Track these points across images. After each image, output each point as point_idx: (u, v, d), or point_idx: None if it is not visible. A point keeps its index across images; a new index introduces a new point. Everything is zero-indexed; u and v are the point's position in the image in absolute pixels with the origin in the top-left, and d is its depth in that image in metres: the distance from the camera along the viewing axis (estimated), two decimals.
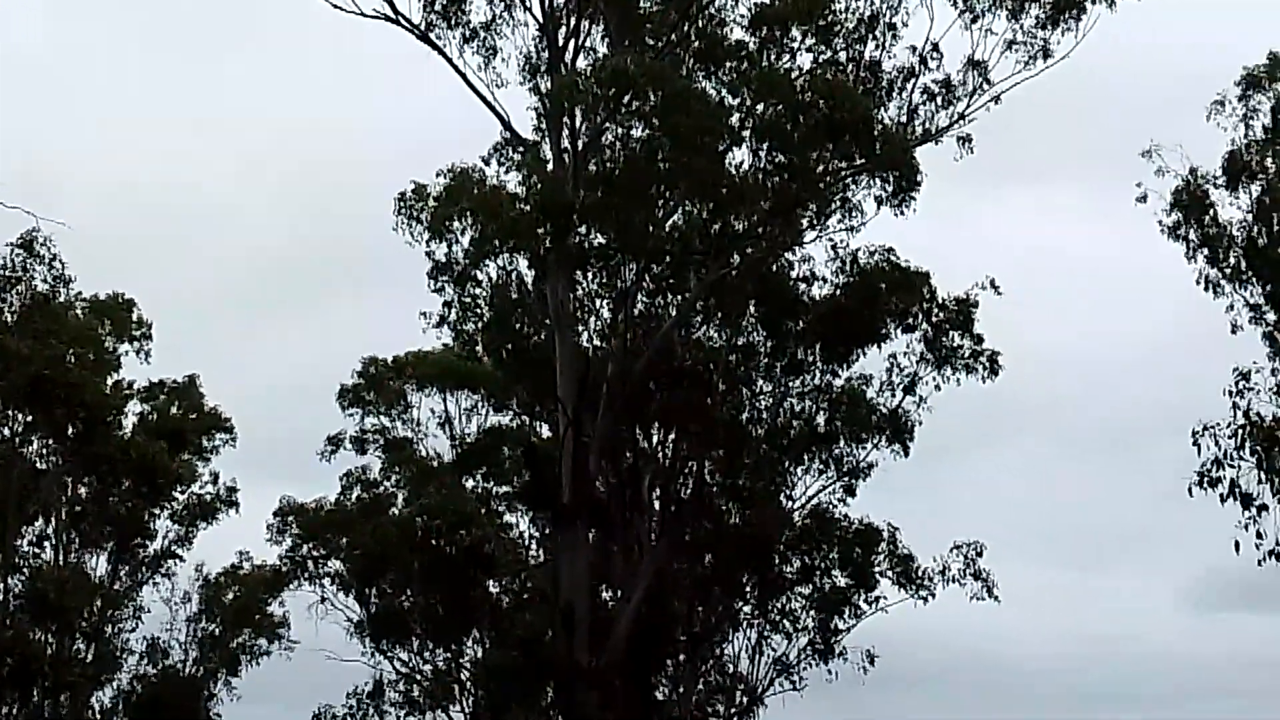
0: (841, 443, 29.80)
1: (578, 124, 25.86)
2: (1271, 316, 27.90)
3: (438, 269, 26.98)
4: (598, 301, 28.68)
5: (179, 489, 36.98)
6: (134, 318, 36.10)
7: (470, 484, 33.77)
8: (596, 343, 28.51)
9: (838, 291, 29.30)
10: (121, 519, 36.27)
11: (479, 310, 29.04)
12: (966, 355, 29.36)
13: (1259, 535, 22.85)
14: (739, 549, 29.47)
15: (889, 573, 29.96)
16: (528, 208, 24.44)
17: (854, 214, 27.41)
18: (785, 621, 30.39)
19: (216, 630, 38.61)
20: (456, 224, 25.26)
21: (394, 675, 33.23)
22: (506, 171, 26.50)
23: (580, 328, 28.07)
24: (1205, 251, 28.18)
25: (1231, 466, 22.95)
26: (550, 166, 25.90)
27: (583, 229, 25.42)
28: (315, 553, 33.89)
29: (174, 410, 37.65)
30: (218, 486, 37.81)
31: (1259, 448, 23.10)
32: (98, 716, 36.59)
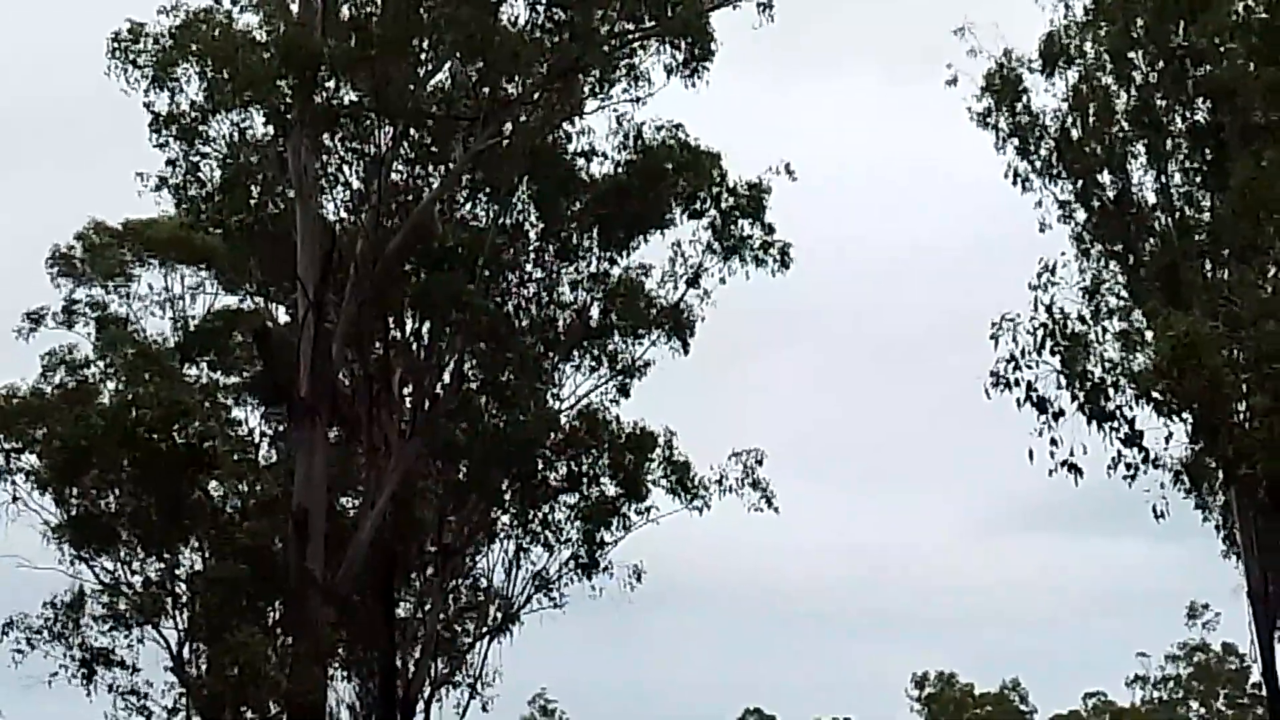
0: (616, 337, 29.22)
1: None
2: (1081, 215, 27.57)
3: (160, 122, 25.15)
4: (347, 169, 27.16)
5: None
6: None
7: (194, 372, 31.64)
8: (344, 216, 27.18)
9: (619, 169, 28.41)
10: None
11: (207, 174, 26.99)
12: (757, 246, 29.15)
13: (1054, 443, 22.00)
14: (498, 453, 28.84)
15: (663, 481, 29.92)
16: (268, 55, 23.37)
17: (641, 83, 26.52)
18: (547, 533, 30.06)
19: None
20: (182, 71, 24.17)
21: (97, 586, 30.26)
22: (243, 13, 25.33)
23: (326, 198, 26.60)
24: (1015, 142, 27.80)
25: (1030, 367, 22.08)
26: (296, 10, 24.53)
27: (332, 83, 24.09)
28: (7, 445, 30.64)
29: None
30: None
31: (1060, 348, 22.21)
32: None
